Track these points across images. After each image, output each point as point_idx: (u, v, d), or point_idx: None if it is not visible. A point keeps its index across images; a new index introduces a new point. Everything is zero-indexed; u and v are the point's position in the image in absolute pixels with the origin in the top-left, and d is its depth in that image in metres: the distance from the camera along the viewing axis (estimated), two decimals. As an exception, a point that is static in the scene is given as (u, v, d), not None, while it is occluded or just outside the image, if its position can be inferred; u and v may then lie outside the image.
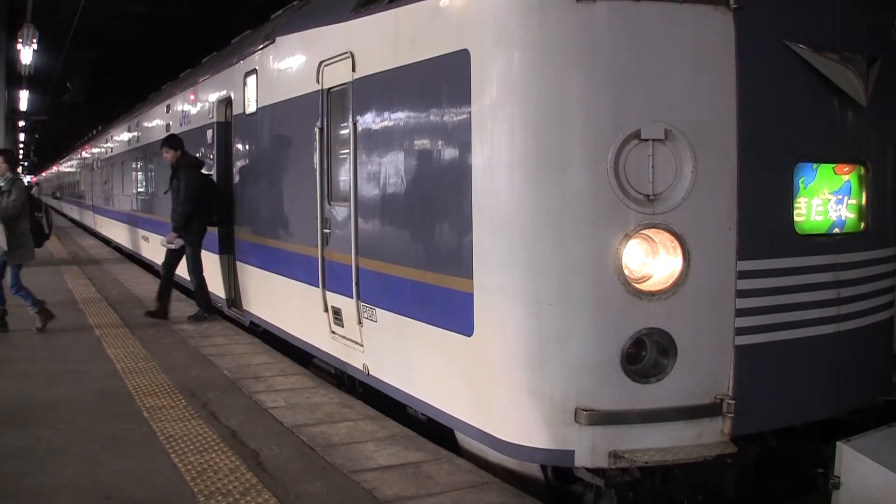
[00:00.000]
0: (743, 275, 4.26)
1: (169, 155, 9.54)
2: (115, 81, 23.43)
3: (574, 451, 4.19)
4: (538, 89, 4.26)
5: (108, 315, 10.00)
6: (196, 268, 9.60)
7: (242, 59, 8.90)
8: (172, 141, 9.77)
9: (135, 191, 17.14)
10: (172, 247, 9.48)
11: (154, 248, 14.63)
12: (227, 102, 9.58)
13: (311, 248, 6.77)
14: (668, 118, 4.14)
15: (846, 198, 4.83)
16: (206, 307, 9.78)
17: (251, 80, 8.50)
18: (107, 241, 21.88)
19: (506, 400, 4.43)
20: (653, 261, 4.26)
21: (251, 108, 8.49)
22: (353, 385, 6.74)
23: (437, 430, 5.32)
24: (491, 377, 4.51)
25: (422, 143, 5.15)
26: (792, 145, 4.50)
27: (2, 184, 8.46)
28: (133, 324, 9.44)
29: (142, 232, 15.08)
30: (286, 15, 8.31)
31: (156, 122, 14.60)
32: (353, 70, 5.91)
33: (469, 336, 4.59)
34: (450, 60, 4.69)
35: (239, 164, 9.17)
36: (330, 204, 6.45)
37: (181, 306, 11.02)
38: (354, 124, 5.89)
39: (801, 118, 4.53)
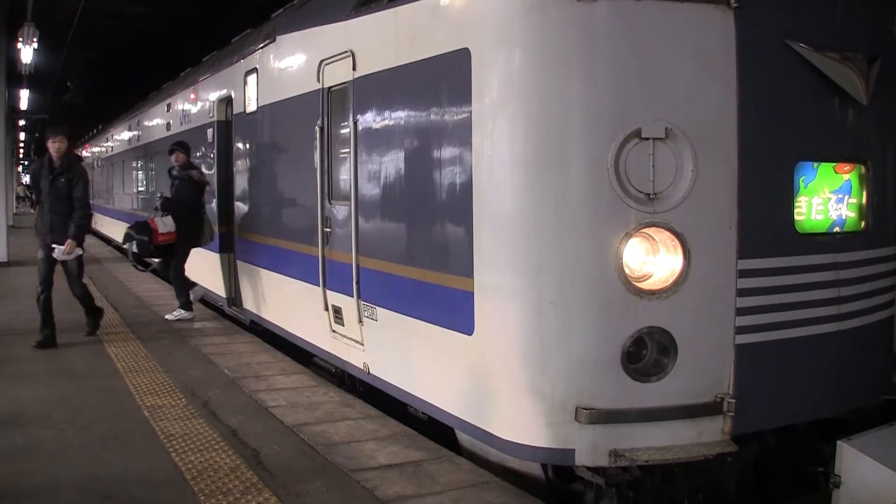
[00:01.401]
0: (743, 273, 4.26)
1: (63, 145, 8.12)
2: (115, 81, 23.40)
3: (574, 450, 4.19)
4: (539, 88, 4.26)
5: (109, 314, 9.98)
6: (81, 278, 8.44)
7: (243, 58, 8.89)
8: (66, 129, 8.54)
9: (135, 190, 17.14)
10: (69, 258, 8.04)
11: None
12: (227, 101, 9.57)
13: (311, 246, 6.77)
14: (668, 117, 4.14)
15: (846, 197, 4.83)
16: (97, 322, 8.73)
17: (252, 78, 8.50)
18: (107, 240, 21.87)
19: (506, 399, 4.43)
20: (653, 259, 4.25)
21: (252, 106, 8.49)
22: (353, 384, 6.75)
23: (437, 429, 5.32)
24: (491, 376, 4.51)
25: (422, 142, 5.14)
26: (792, 144, 4.50)
27: None
28: (133, 323, 9.45)
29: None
30: (287, 14, 8.31)
31: (156, 122, 14.60)
32: (354, 69, 5.91)
33: (470, 335, 4.59)
34: (450, 59, 4.69)
35: (239, 162, 9.16)
36: (330, 203, 6.45)
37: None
38: (355, 123, 5.89)
39: (802, 117, 4.53)
